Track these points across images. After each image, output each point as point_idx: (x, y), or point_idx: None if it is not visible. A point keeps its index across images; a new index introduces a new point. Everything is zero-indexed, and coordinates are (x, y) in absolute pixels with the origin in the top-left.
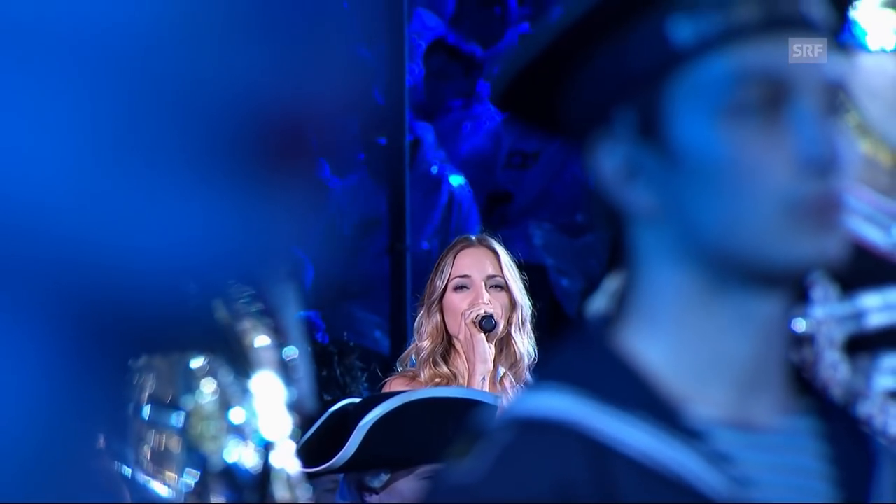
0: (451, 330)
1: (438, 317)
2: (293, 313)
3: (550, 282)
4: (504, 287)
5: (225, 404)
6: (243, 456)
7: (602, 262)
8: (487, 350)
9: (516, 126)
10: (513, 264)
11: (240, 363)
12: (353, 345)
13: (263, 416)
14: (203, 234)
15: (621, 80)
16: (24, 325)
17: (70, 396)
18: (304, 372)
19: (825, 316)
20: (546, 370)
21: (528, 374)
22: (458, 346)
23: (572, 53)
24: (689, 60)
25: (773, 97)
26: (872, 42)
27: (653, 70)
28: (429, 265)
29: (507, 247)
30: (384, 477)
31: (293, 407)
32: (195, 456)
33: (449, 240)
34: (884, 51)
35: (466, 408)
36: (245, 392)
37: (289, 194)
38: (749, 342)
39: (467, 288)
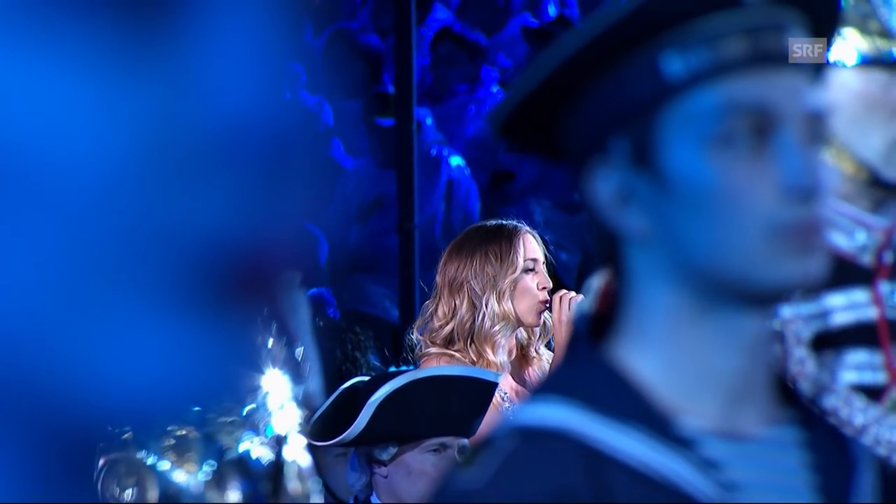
0: (521, 310)
1: (510, 301)
2: (303, 314)
3: (550, 255)
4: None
5: (239, 400)
6: (256, 449)
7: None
8: None
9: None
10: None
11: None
12: (363, 315)
13: (275, 411)
14: (169, 363)
15: (616, 111)
16: None
17: None
18: (313, 369)
19: (793, 315)
20: (547, 382)
21: None
22: (527, 329)
23: (570, 86)
24: (680, 93)
25: (760, 127)
26: (834, 58)
27: (646, 102)
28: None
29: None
30: (392, 450)
31: (303, 402)
32: (212, 448)
33: (451, 218)
34: (844, 66)
35: (469, 384)
36: (258, 388)
37: (250, 323)
38: (736, 357)
39: (534, 271)
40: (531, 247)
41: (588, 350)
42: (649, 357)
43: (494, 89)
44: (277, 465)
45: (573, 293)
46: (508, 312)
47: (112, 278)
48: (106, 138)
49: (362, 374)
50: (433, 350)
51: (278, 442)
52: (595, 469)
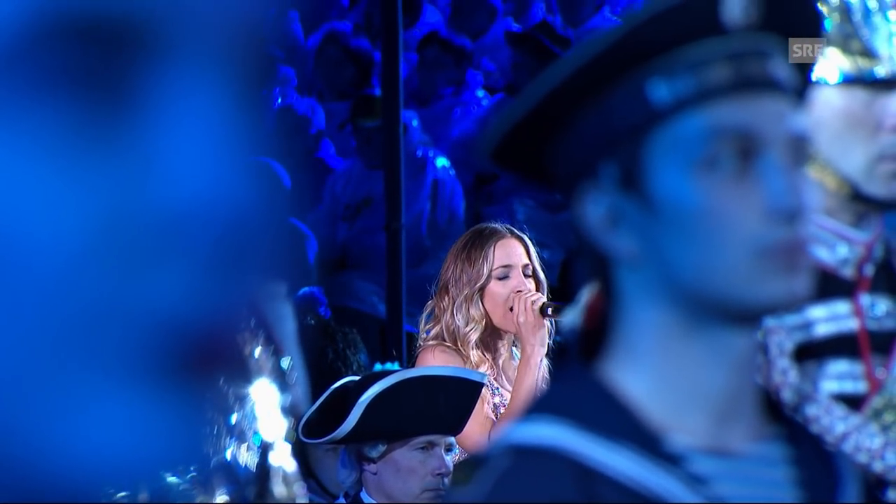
0: (494, 317)
1: (481, 305)
2: (289, 325)
3: (539, 257)
4: (533, 274)
5: (227, 408)
6: (243, 455)
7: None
8: (546, 336)
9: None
10: (535, 250)
11: (240, 371)
12: (352, 310)
13: (262, 418)
14: (130, 436)
15: (605, 137)
16: None
17: None
18: (299, 377)
19: (776, 326)
20: (539, 401)
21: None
22: (500, 331)
23: (559, 113)
24: (666, 118)
25: (744, 151)
26: (817, 76)
27: (634, 127)
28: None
29: (493, 222)
30: (381, 448)
31: (289, 410)
32: (200, 453)
33: (436, 217)
34: (827, 84)
35: (456, 384)
36: (245, 397)
37: (207, 396)
38: (724, 375)
39: (508, 277)
40: (504, 253)
41: (578, 368)
42: (638, 375)
43: (480, 93)
44: (264, 471)
45: (531, 291)
46: (475, 316)
47: (74, 356)
48: (67, 218)
49: (353, 373)
50: (430, 343)
51: (265, 448)
52: (587, 486)
